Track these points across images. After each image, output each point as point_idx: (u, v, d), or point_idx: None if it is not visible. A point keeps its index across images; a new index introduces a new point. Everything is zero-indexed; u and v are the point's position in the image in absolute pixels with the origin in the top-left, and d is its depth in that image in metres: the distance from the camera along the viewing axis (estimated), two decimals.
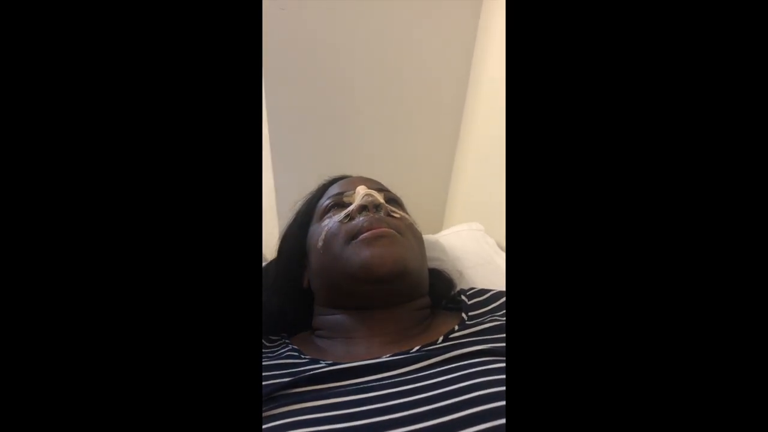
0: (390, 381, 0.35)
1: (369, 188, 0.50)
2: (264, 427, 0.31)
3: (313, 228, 0.51)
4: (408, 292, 0.46)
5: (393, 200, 0.53)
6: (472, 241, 0.71)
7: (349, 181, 0.54)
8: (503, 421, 0.28)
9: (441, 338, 0.41)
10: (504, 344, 0.38)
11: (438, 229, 0.85)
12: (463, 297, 0.49)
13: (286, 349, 0.45)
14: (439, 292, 0.54)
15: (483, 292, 0.50)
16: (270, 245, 0.94)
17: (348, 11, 0.78)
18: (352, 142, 0.91)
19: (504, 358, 0.36)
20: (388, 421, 0.30)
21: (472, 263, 0.64)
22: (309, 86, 0.82)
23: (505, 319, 0.44)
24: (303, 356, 0.42)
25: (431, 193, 1.03)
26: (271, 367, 0.39)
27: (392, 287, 0.43)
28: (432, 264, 0.59)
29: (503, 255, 0.70)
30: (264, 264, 0.64)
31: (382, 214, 0.46)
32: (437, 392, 0.32)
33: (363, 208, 0.46)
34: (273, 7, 0.73)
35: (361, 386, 0.34)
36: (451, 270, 0.61)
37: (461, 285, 0.58)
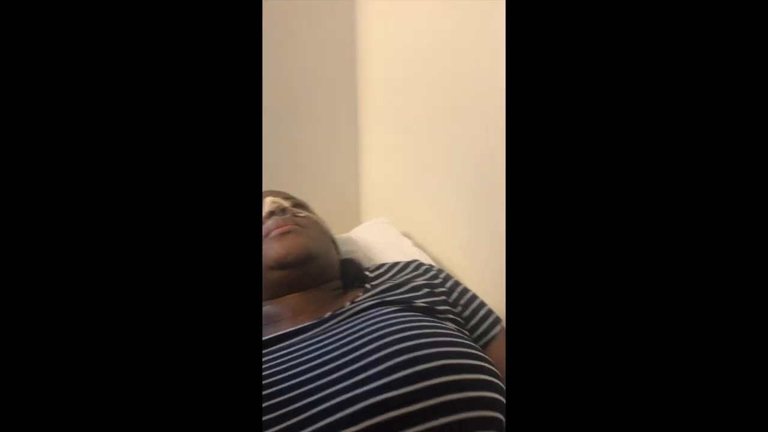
0: (305, 339, 0.44)
1: (275, 197, 0.59)
2: None
3: None
4: (319, 275, 0.56)
5: (299, 204, 0.63)
6: (377, 232, 0.83)
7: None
8: (389, 350, 0.38)
9: (348, 303, 0.51)
10: (394, 296, 0.50)
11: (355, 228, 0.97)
12: (367, 273, 0.60)
13: None
14: (352, 276, 0.65)
15: (381, 265, 0.62)
16: None
17: None
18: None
19: (392, 307, 0.47)
20: (304, 361, 0.40)
21: (379, 248, 0.76)
22: None
23: (396, 280, 0.55)
24: None
25: (343, 197, 1.14)
26: None
27: (303, 270, 0.53)
28: (345, 256, 0.70)
29: (406, 241, 0.82)
30: None
31: (287, 215, 0.56)
32: (342, 335, 0.42)
33: (271, 213, 0.56)
34: None
35: (281, 348, 0.44)
36: (362, 257, 0.73)
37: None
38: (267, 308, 0.55)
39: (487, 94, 0.65)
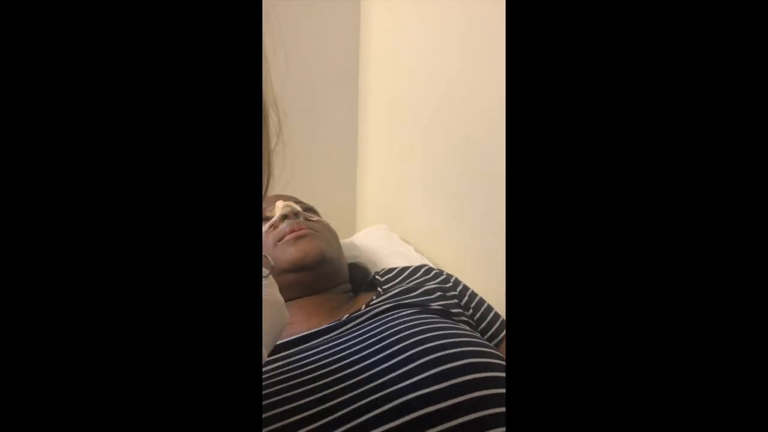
0: (328, 340, 0.45)
1: (287, 201, 0.60)
2: None
3: None
4: (332, 277, 0.57)
5: (309, 209, 0.64)
6: (379, 238, 0.85)
7: (267, 199, 0.64)
8: (414, 351, 0.39)
9: (364, 306, 0.52)
10: (410, 299, 0.51)
11: (351, 234, 0.98)
12: (377, 277, 0.61)
13: None
14: (359, 280, 0.66)
15: (391, 270, 0.63)
16: None
17: None
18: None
19: (410, 309, 0.48)
20: (330, 362, 0.40)
21: (381, 254, 0.77)
22: None
23: (409, 284, 0.57)
24: None
25: (341, 203, 1.15)
26: None
27: (318, 273, 0.54)
28: (350, 261, 0.71)
29: (406, 246, 0.84)
30: None
31: (301, 219, 0.57)
32: (364, 337, 0.43)
33: (284, 217, 0.57)
34: None
35: (305, 349, 0.44)
36: (366, 262, 0.74)
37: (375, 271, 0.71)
38: None
39: (486, 102, 0.68)
